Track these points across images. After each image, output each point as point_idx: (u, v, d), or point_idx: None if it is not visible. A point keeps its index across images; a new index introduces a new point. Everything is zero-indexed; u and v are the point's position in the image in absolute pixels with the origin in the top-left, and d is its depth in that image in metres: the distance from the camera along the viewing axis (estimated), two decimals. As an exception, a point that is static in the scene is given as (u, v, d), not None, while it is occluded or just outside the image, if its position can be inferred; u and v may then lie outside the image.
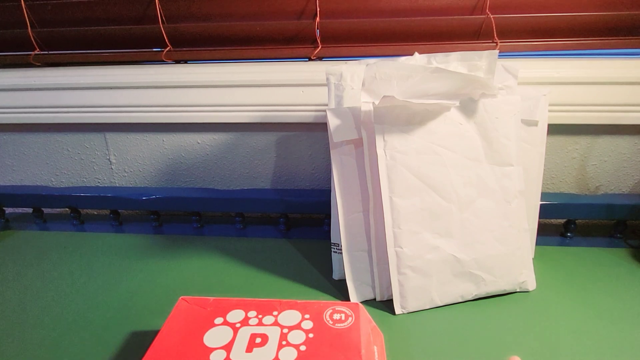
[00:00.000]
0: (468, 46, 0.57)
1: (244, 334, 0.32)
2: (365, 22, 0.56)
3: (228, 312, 0.35)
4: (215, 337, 0.32)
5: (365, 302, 0.44)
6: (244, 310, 0.35)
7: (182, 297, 0.37)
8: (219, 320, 0.34)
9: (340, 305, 0.36)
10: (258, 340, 0.32)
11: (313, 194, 0.61)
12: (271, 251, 0.55)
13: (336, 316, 0.34)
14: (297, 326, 0.33)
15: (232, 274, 0.50)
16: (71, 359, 0.37)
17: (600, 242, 0.56)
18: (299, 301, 0.36)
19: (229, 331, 0.33)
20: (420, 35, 0.57)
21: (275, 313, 0.35)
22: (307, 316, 0.34)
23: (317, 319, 0.34)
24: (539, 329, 0.40)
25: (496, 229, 0.43)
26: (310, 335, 0.32)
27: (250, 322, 0.34)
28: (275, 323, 0.33)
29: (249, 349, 0.31)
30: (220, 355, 0.30)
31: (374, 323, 0.37)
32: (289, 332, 0.33)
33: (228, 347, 0.31)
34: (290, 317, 0.34)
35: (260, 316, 0.34)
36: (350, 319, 0.34)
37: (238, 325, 0.33)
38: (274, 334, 0.32)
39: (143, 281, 0.49)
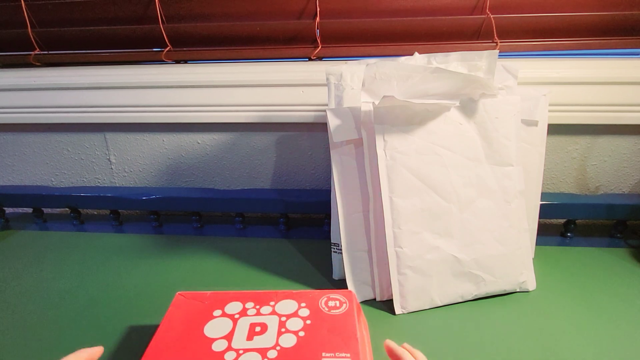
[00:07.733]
0: (468, 46, 0.57)
1: (244, 323, 0.33)
2: (365, 22, 0.56)
3: (226, 305, 0.35)
4: (215, 328, 0.33)
5: (365, 302, 0.44)
6: (242, 302, 0.36)
7: (178, 292, 0.38)
8: (217, 312, 0.35)
9: (334, 293, 0.37)
10: (258, 329, 0.33)
11: (313, 194, 0.61)
12: (271, 251, 0.55)
13: (331, 303, 0.36)
14: (295, 314, 0.34)
15: (232, 273, 0.50)
16: (71, 359, 0.37)
17: (600, 242, 0.56)
18: (294, 291, 0.37)
19: (228, 322, 0.33)
20: (420, 35, 0.57)
21: (272, 303, 0.36)
22: (303, 304, 0.35)
23: (313, 306, 0.35)
24: (539, 328, 0.40)
25: (496, 229, 0.43)
26: (308, 322, 0.33)
27: (249, 312, 0.35)
28: (273, 312, 0.34)
29: (249, 337, 0.32)
30: (222, 344, 0.31)
31: (362, 311, 0.38)
32: (287, 320, 0.34)
33: (229, 337, 0.32)
34: (287, 306, 0.35)
35: (257, 307, 0.35)
36: (344, 305, 0.35)
37: (237, 316, 0.34)
38: (272, 322, 0.33)
39: (143, 281, 0.49)
